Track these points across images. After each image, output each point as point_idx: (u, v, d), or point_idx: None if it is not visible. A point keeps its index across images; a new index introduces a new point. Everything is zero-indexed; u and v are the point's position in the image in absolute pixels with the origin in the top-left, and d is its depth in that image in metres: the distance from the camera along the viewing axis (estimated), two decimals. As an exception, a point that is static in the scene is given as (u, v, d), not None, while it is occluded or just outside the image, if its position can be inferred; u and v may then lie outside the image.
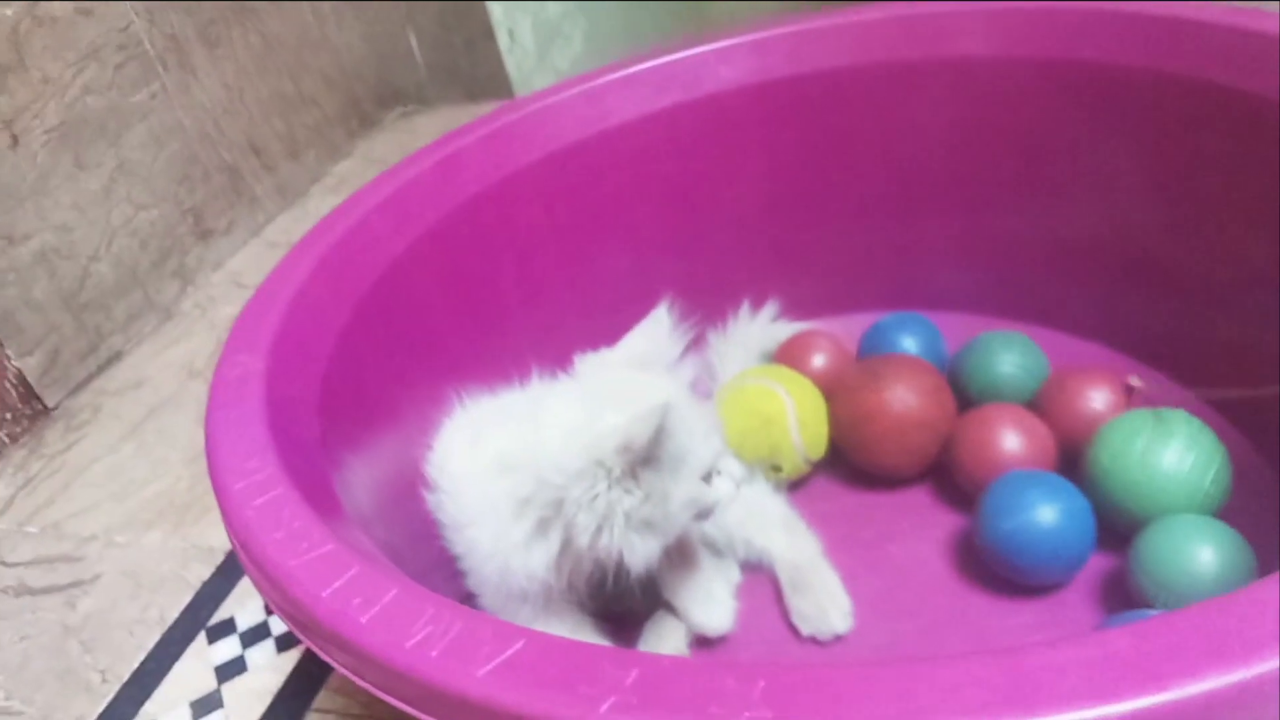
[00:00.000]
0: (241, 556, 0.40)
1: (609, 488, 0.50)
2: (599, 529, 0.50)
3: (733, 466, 0.55)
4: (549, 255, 0.72)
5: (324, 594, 0.35)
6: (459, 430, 0.60)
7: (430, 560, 0.57)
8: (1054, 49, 0.67)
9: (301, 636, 0.37)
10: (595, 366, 0.56)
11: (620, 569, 0.53)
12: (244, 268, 1.13)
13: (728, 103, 0.73)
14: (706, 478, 0.53)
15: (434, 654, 0.32)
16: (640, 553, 0.52)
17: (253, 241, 1.16)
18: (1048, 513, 0.58)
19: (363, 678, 0.34)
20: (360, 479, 0.52)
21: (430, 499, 0.59)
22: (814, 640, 0.60)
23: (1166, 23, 0.63)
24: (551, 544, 0.52)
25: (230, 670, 0.67)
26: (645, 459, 0.49)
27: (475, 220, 0.67)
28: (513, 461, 0.53)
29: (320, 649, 0.36)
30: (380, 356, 0.59)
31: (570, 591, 0.57)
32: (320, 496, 0.42)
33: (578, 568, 0.54)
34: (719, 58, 0.73)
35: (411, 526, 0.57)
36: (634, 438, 0.48)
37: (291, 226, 1.19)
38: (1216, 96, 0.61)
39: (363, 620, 0.34)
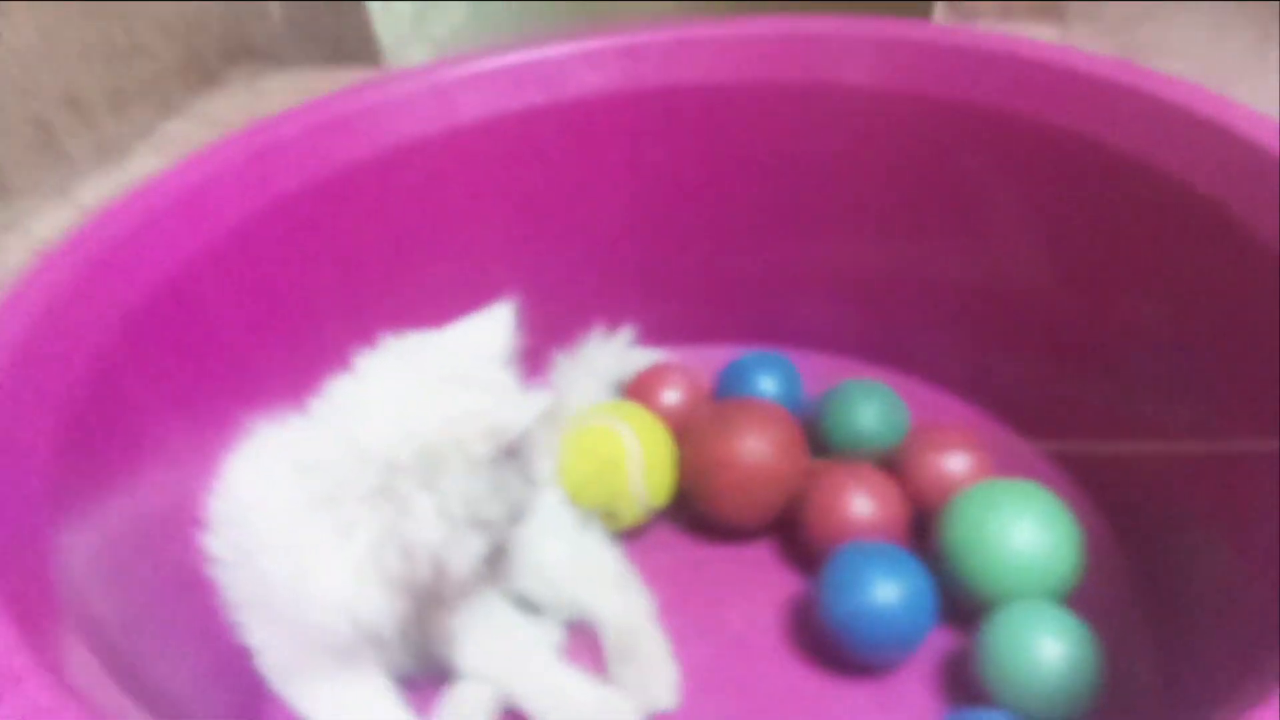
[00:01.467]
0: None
1: (459, 472, 0.45)
2: (434, 520, 0.46)
3: (543, 472, 0.52)
4: (378, 265, 0.64)
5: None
6: (253, 453, 0.53)
7: (190, 614, 0.49)
8: (942, 87, 0.63)
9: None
10: (416, 350, 0.51)
11: (439, 576, 0.48)
12: (49, 232, 1.00)
13: (591, 109, 0.67)
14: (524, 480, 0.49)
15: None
16: (469, 551, 0.48)
17: (61, 203, 1.04)
18: (886, 593, 0.54)
19: None
20: (104, 532, 0.44)
21: (209, 540, 0.52)
22: (635, 713, 0.56)
23: (1055, 72, 0.59)
24: (358, 546, 0.46)
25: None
26: (511, 448, 0.46)
27: (291, 221, 0.58)
28: (310, 461, 0.47)
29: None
30: (154, 381, 0.50)
31: (371, 643, 0.51)
32: (27, 587, 0.34)
33: (385, 581, 0.48)
34: (586, 60, 0.66)
35: (175, 577, 0.49)
36: (509, 424, 0.45)
37: (109, 188, 1.06)
38: (1104, 157, 0.58)
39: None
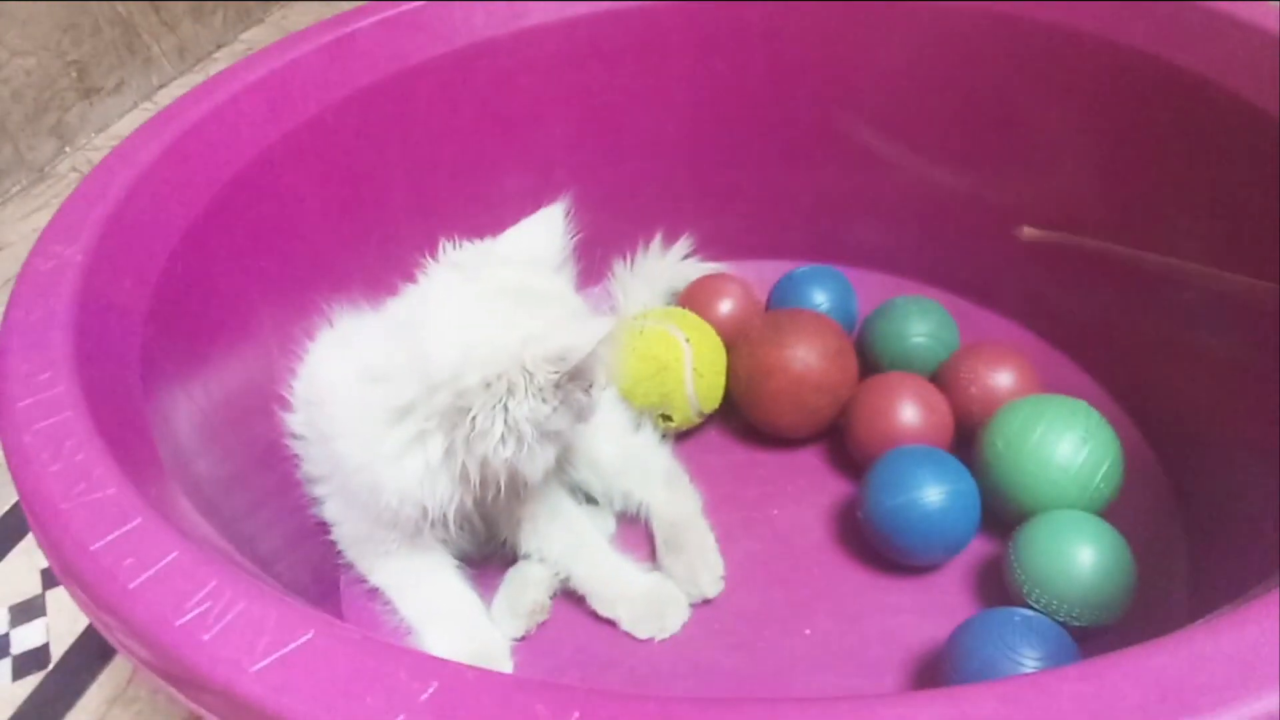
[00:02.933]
0: (16, 487, 0.35)
1: (526, 395, 0.46)
2: (503, 438, 0.47)
3: (600, 375, 0.52)
4: (446, 164, 0.65)
5: (93, 547, 0.31)
6: (333, 342, 0.55)
7: (268, 489, 0.52)
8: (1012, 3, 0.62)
9: (65, 586, 0.32)
10: (477, 262, 0.50)
11: (513, 479, 0.50)
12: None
13: (659, 17, 0.67)
14: (588, 387, 0.50)
15: (205, 637, 0.28)
16: (540, 462, 0.49)
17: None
18: (933, 494, 0.55)
19: (125, 648, 0.30)
20: (191, 399, 0.46)
21: (291, 418, 0.55)
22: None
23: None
24: (431, 454, 0.48)
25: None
26: (575, 372, 0.47)
27: (365, 115, 0.60)
28: (386, 370, 0.48)
29: (85, 606, 0.31)
30: (236, 260, 0.53)
31: (438, 527, 0.54)
32: (121, 424, 0.37)
33: (460, 480, 0.50)
34: (654, -34, 0.66)
35: (251, 451, 0.52)
36: (572, 350, 0.46)
37: (190, 92, 1.09)
38: (1174, 81, 0.57)
39: (131, 585, 0.29)
